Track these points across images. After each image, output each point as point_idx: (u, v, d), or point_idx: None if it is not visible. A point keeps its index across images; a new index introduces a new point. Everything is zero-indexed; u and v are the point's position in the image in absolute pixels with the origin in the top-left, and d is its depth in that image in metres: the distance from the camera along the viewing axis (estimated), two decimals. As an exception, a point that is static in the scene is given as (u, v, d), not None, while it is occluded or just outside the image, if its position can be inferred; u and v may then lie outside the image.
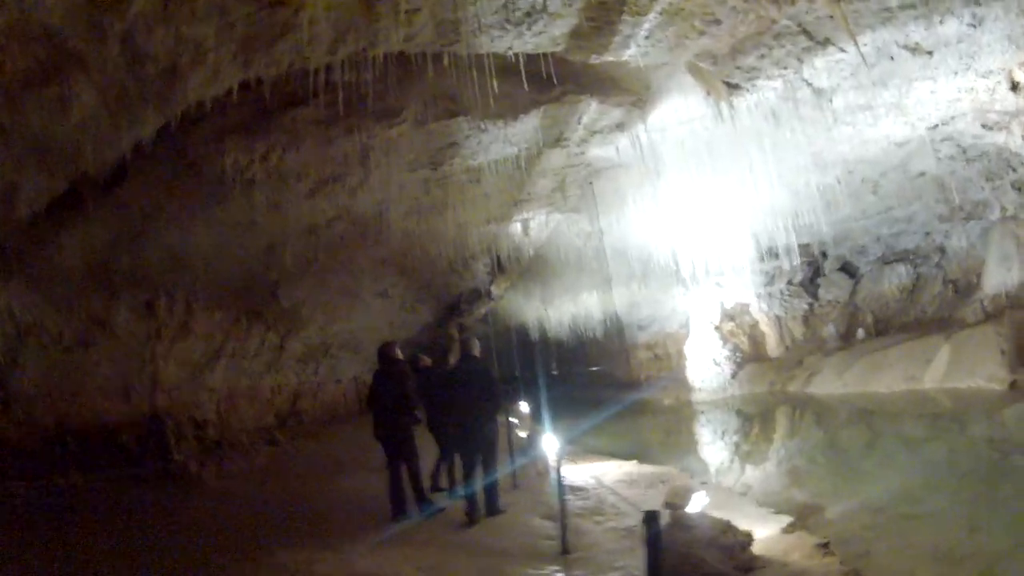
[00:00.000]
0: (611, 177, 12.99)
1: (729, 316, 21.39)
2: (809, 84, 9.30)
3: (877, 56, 9.00)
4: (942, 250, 16.95)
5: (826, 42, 8.39)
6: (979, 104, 10.57)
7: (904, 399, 13.03)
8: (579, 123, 10.05)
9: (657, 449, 13.15)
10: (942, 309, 16.34)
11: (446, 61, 7.26)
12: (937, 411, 11.99)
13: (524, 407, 12.48)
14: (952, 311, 15.64)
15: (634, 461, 10.42)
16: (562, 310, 21.45)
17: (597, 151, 11.29)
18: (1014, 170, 12.75)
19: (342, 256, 11.32)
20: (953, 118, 11.07)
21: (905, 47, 8.92)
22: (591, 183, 13.21)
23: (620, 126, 10.29)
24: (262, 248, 9.91)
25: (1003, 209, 14.05)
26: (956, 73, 9.71)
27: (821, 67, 8.87)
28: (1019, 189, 13.24)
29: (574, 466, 9.76)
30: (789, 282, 20.75)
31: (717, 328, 21.13)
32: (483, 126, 9.29)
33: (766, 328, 21.25)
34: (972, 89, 10.25)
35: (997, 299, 14.17)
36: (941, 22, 8.31)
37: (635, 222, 14.92)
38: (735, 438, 14.35)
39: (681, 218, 14.86)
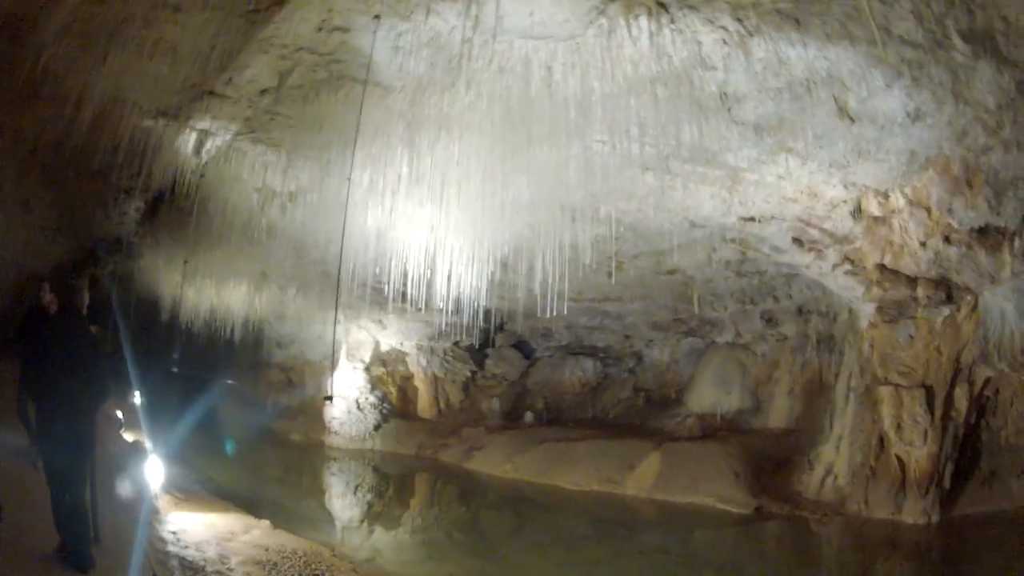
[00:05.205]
0: (351, 102, 7.96)
1: (382, 360, 18.61)
2: (720, 74, 6.29)
3: (808, 85, 6.54)
4: (638, 357, 16.15)
5: (797, 24, 5.58)
6: (810, 215, 9.04)
7: (597, 501, 11.64)
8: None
9: (283, 495, 12.10)
10: (630, 415, 15.58)
11: None
12: (647, 520, 10.99)
13: (137, 399, 11.74)
14: (644, 420, 14.88)
15: (267, 523, 8.57)
16: (203, 294, 15.06)
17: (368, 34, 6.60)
18: (776, 300, 12.03)
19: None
20: (772, 219, 9.39)
21: (836, 99, 6.67)
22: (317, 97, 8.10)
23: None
24: None
25: (738, 335, 13.45)
26: (830, 166, 7.88)
27: (760, 55, 5.99)
28: (768, 320, 12.64)
29: (187, 514, 8.32)
30: (456, 343, 18.01)
31: (367, 370, 18.09)
32: None
33: (420, 384, 18.95)
34: (816, 196, 8.63)
35: (709, 419, 13.69)
36: (914, 85, 6.30)
37: (338, 197, 9.15)
38: (369, 497, 13.07)
39: (405, 215, 10.25)
